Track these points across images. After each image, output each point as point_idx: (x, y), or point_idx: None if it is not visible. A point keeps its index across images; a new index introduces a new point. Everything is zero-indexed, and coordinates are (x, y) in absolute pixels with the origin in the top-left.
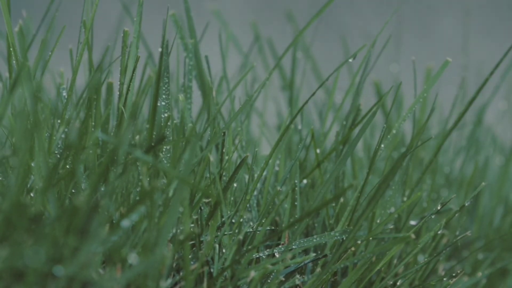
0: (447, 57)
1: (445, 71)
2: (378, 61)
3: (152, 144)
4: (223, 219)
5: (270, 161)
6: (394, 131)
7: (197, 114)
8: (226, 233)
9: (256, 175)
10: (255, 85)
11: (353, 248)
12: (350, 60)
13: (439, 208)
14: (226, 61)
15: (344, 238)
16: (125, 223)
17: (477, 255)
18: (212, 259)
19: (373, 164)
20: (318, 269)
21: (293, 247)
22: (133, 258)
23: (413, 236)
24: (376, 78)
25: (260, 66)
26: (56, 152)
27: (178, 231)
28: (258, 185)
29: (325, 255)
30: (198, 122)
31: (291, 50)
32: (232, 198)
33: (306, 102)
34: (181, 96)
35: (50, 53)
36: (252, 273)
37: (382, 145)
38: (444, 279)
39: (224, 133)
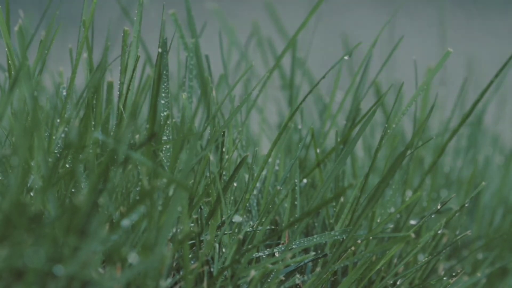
0: (449, 61)
1: (446, 73)
2: (378, 61)
3: (149, 142)
4: (223, 218)
5: (270, 160)
6: (394, 125)
7: (198, 113)
8: (226, 232)
9: (256, 175)
10: (254, 82)
11: (353, 248)
12: (346, 58)
13: (439, 207)
14: (226, 60)
15: (344, 238)
16: (125, 222)
17: (477, 255)
18: (212, 258)
19: (374, 163)
20: (318, 269)
21: (293, 246)
22: (133, 257)
23: (413, 235)
24: (377, 77)
25: (261, 65)
26: (56, 151)
27: (178, 230)
28: (258, 185)
29: (325, 255)
30: (199, 122)
31: (292, 48)
32: (232, 198)
33: (302, 101)
34: (184, 95)
35: (46, 51)
36: (252, 273)
37: (384, 141)
38: (444, 278)
39: (224, 132)
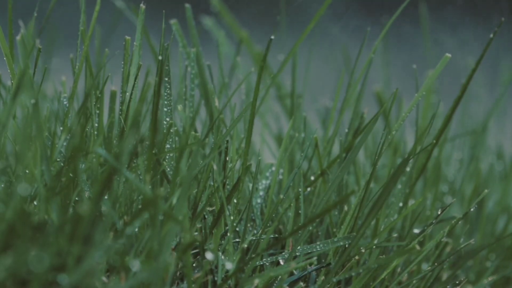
0: (449, 65)
1: (448, 78)
2: (379, 70)
3: (151, 150)
4: (227, 227)
5: (274, 169)
6: (394, 132)
7: (200, 121)
8: (230, 241)
9: (259, 184)
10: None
11: (357, 257)
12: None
13: (439, 213)
14: (225, 71)
15: (347, 244)
16: (129, 231)
17: (481, 263)
18: (216, 267)
19: (375, 170)
20: (322, 278)
21: (297, 253)
22: (136, 266)
23: (417, 247)
24: (378, 87)
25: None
26: (58, 159)
27: (182, 239)
28: (262, 193)
29: (329, 264)
30: (201, 130)
31: (293, 58)
32: (236, 207)
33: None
34: (179, 107)
35: (47, 61)
36: (256, 281)
37: (384, 147)
38: (448, 287)
39: (227, 141)
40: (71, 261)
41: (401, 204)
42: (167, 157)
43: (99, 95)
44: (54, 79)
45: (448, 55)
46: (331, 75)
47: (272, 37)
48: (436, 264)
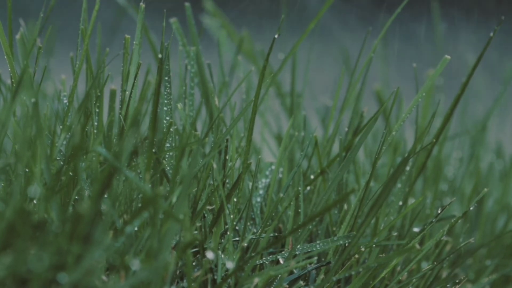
0: (450, 64)
1: (449, 78)
2: (378, 68)
3: (151, 149)
4: (227, 226)
5: (274, 167)
6: (394, 133)
7: (200, 120)
8: (230, 240)
9: (259, 182)
10: (253, 92)
11: (356, 256)
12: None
13: (439, 211)
14: (225, 69)
15: (347, 243)
16: (129, 229)
17: (480, 262)
18: (216, 266)
19: (374, 170)
20: (322, 277)
21: (297, 252)
22: (136, 264)
23: (417, 246)
24: (378, 85)
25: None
26: (58, 158)
27: (182, 238)
28: (261, 192)
29: (329, 263)
30: (201, 129)
31: (293, 56)
32: (235, 206)
33: None
34: (179, 105)
35: (47, 60)
36: (256, 280)
37: (384, 147)
38: (448, 285)
39: (227, 140)
40: (71, 259)
41: (401, 203)
42: (167, 156)
43: (99, 94)
44: (54, 78)
45: (448, 57)
46: (331, 74)
47: (276, 36)
48: (435, 263)
